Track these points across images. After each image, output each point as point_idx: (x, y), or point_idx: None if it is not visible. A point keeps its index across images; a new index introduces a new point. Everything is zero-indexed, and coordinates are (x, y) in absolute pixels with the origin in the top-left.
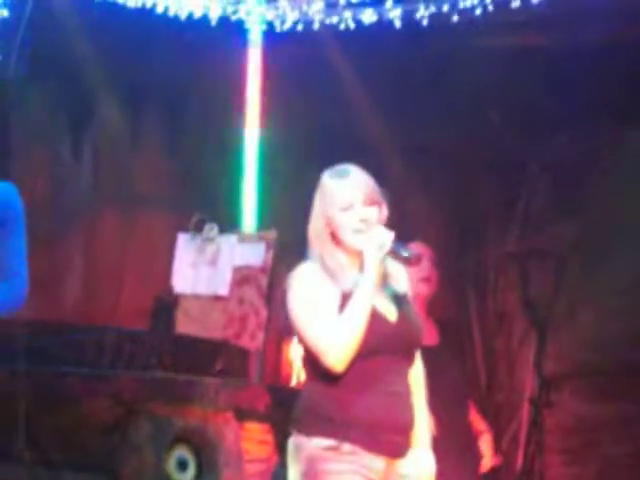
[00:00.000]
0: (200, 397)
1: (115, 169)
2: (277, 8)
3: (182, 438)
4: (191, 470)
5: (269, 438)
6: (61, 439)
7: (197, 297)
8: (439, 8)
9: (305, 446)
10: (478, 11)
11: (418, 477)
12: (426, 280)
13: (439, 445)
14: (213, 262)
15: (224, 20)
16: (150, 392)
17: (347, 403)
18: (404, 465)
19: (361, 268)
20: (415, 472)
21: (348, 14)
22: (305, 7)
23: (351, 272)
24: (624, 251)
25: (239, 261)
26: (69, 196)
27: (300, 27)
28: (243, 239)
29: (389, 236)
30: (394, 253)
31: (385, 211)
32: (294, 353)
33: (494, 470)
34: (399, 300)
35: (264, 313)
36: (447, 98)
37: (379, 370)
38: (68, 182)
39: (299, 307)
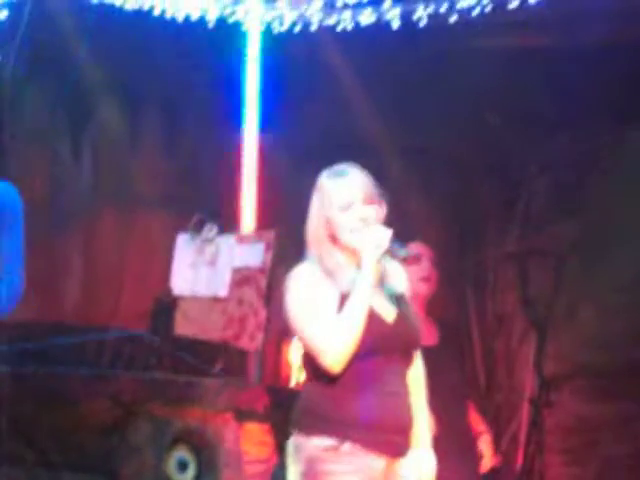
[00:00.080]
0: (199, 398)
1: (114, 169)
2: (275, 9)
3: (182, 439)
4: (191, 471)
5: (268, 439)
6: (60, 440)
7: (196, 298)
8: (437, 9)
9: (304, 446)
10: (476, 11)
11: (419, 477)
12: (426, 280)
13: (439, 445)
14: (212, 263)
15: (222, 21)
16: (149, 393)
17: (346, 403)
18: (404, 465)
19: (359, 268)
20: (416, 472)
21: (346, 15)
22: (303, 8)
23: (349, 272)
24: (624, 250)
25: (238, 262)
26: (68, 196)
27: (298, 28)
28: (242, 240)
29: (387, 235)
30: (392, 252)
31: (383, 210)
32: (293, 354)
33: (494, 470)
34: (397, 300)
35: (263, 314)
36: (446, 99)
37: (377, 370)
38: (67, 182)
39: (297, 308)
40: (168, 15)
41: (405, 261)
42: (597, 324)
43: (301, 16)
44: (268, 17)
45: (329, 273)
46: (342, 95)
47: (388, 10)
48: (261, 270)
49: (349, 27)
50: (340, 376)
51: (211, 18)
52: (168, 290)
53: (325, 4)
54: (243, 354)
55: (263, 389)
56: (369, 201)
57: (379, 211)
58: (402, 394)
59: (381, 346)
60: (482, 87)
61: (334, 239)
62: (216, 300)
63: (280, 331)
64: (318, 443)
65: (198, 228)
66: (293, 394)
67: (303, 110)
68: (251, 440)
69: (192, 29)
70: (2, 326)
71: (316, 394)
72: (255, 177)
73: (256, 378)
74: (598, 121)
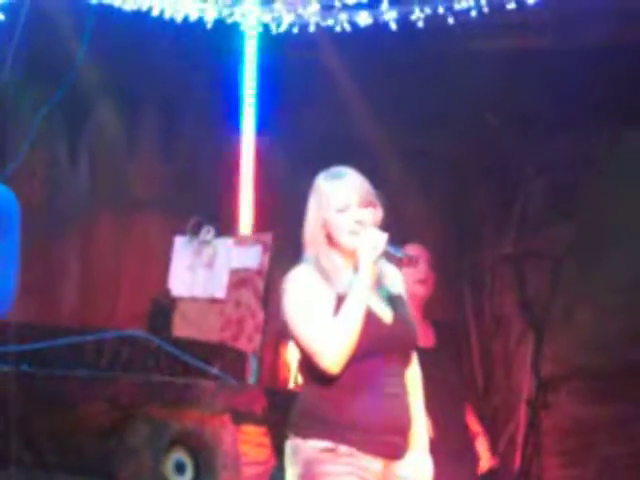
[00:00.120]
0: (197, 400)
1: (111, 172)
2: (273, 10)
3: (179, 441)
4: (189, 473)
5: (266, 441)
6: (58, 442)
7: (194, 300)
8: (434, 10)
9: (302, 448)
10: (474, 13)
11: (416, 479)
12: (423, 282)
13: (436, 447)
14: (210, 265)
15: (220, 23)
16: (147, 395)
17: (343, 405)
18: (402, 467)
19: (356, 269)
20: (413, 474)
21: (344, 16)
22: (301, 9)
23: (346, 273)
24: (621, 252)
25: (236, 264)
26: (65, 199)
27: (296, 29)
28: (240, 242)
29: (383, 237)
30: (388, 254)
31: (380, 213)
32: (291, 356)
33: (492, 472)
34: (394, 301)
35: (261, 316)
36: (444, 100)
37: (375, 371)
38: (64, 185)
39: (294, 310)
40: (166, 16)
41: (401, 263)
42: (594, 326)
43: (299, 17)
44: (266, 18)
45: (326, 275)
46: (340, 97)
47: (385, 12)
48: (258, 272)
49: (347, 28)
50: (338, 378)
51: (209, 19)
52: (166, 292)
53: (323, 6)
54: (241, 356)
55: (261, 391)
56: (365, 204)
57: (376, 214)
58: (400, 395)
59: (378, 347)
60: (480, 89)
61: (331, 241)
62: (214, 302)
63: (278, 333)
64: (315, 445)
65: (196, 230)
66: (291, 396)
67: (301, 112)
68: (249, 442)
69: (190, 30)
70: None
71: (314, 396)
72: (252, 179)
73: (254, 380)
74: (596, 122)
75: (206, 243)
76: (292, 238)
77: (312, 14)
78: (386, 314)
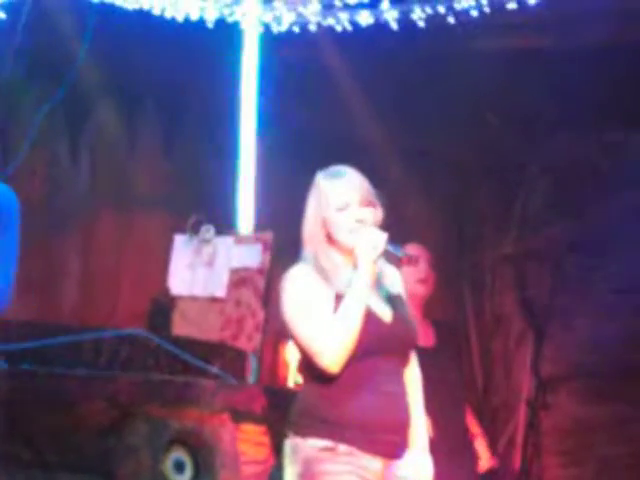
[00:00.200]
0: (197, 399)
1: (112, 171)
2: (273, 10)
3: (178, 440)
4: (188, 472)
5: (266, 440)
6: (57, 441)
7: (194, 299)
8: (435, 9)
9: (301, 447)
10: (474, 12)
11: (416, 479)
12: (423, 281)
13: (436, 447)
14: (210, 264)
15: (220, 22)
16: (146, 394)
17: (342, 404)
18: (402, 466)
19: (355, 268)
20: (413, 474)
21: (344, 15)
22: (301, 9)
23: (345, 272)
24: (621, 252)
25: (236, 263)
26: (66, 197)
27: (296, 29)
28: (240, 241)
29: (383, 237)
30: (388, 253)
31: (380, 213)
32: (291, 355)
33: (491, 472)
34: (393, 301)
35: (261, 315)
36: (445, 100)
37: (374, 370)
38: (65, 183)
39: (293, 309)
40: (167, 15)
41: (401, 262)
42: (594, 326)
43: (299, 17)
44: (266, 18)
45: (325, 273)
46: (340, 96)
47: (386, 11)
48: (259, 271)
49: (348, 28)
50: (337, 377)
51: (209, 18)
52: (166, 291)
53: (323, 5)
54: (241, 355)
55: (260, 390)
56: (366, 203)
57: (375, 213)
58: (399, 394)
59: (378, 346)
60: (481, 88)
61: (330, 239)
62: (214, 301)
63: (278, 332)
64: (315, 444)
65: (196, 229)
66: (290, 395)
67: (301, 111)
68: (248, 441)
69: (190, 29)
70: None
71: (313, 395)
72: (253, 178)
73: (253, 379)
74: (597, 122)
75: (206, 242)
76: (293, 237)
77: (313, 13)
78: (385, 313)
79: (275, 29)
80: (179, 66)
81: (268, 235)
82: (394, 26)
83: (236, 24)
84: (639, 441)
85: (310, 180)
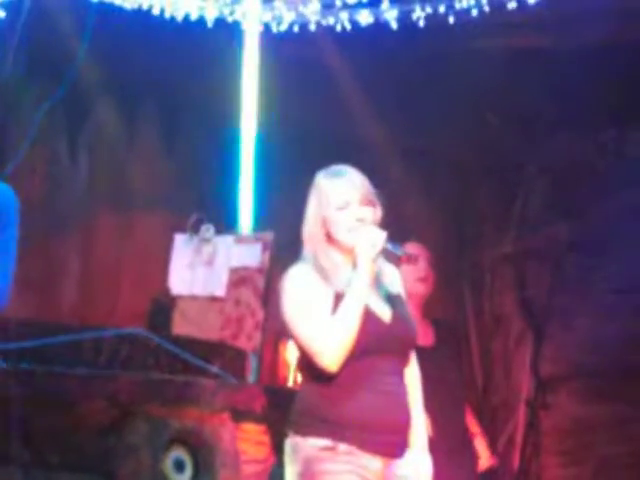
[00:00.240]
0: (197, 398)
1: (111, 170)
2: (273, 9)
3: (178, 439)
4: (188, 471)
5: (266, 439)
6: (57, 440)
7: (194, 298)
8: (435, 9)
9: (301, 447)
10: (474, 12)
11: (416, 478)
12: (423, 280)
13: (435, 446)
14: (210, 263)
15: (220, 21)
16: (147, 393)
17: (342, 403)
18: (402, 466)
19: (355, 267)
20: (413, 473)
21: (344, 15)
22: (301, 8)
23: (345, 271)
24: (621, 252)
25: (236, 262)
26: (65, 196)
27: (296, 28)
28: (240, 240)
29: (382, 235)
30: (387, 252)
31: (379, 212)
32: (291, 354)
33: (491, 471)
34: (393, 300)
35: (261, 314)
36: (445, 99)
37: (374, 370)
38: (64, 182)
39: (292, 309)
40: (167, 15)
41: (400, 260)
42: (593, 326)
43: (299, 16)
44: (266, 17)
45: (324, 273)
46: (340, 95)
47: (386, 10)
48: (259, 270)
49: (348, 27)
50: (337, 376)
51: (209, 18)
52: (166, 290)
53: (323, 4)
54: (240, 354)
55: (260, 389)
56: (366, 202)
57: (375, 213)
58: (399, 394)
59: (377, 345)
60: (481, 88)
61: (330, 238)
62: (213, 300)
63: (278, 331)
64: (315, 443)
65: (196, 228)
66: (290, 394)
67: (301, 110)
68: (248, 440)
69: (191, 29)
70: None
71: (313, 395)
72: (253, 177)
73: (253, 378)
74: (596, 122)
75: (206, 241)
76: (293, 236)
77: (313, 13)
78: (385, 313)
79: (275, 28)
80: (179, 65)
81: (268, 235)
82: (394, 25)
83: (236, 23)
84: (639, 441)
85: (310, 180)
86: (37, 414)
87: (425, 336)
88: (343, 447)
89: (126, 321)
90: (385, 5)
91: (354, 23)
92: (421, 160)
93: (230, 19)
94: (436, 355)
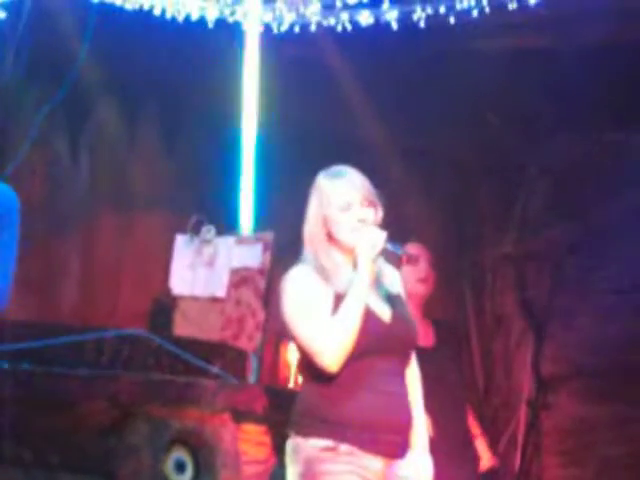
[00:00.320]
0: (197, 399)
1: (112, 170)
2: (274, 10)
3: (179, 440)
4: (188, 472)
5: (266, 439)
6: (58, 441)
7: (195, 299)
8: (436, 10)
9: (303, 447)
10: (475, 12)
11: (417, 479)
12: (423, 281)
13: (436, 447)
14: (210, 264)
15: (221, 22)
16: (147, 394)
17: (343, 404)
18: (403, 467)
19: (355, 267)
20: (414, 474)
21: (345, 16)
22: (302, 9)
23: (346, 271)
24: (622, 253)
25: (236, 263)
26: (66, 197)
27: (297, 29)
28: (240, 241)
29: (382, 235)
30: (387, 252)
31: (380, 213)
32: (291, 355)
33: (492, 472)
34: (393, 300)
35: (262, 315)
36: (445, 100)
37: (374, 370)
38: (65, 183)
39: (293, 309)
40: (168, 15)
41: (401, 260)
42: (594, 326)
43: (300, 17)
44: (267, 18)
45: (325, 274)
46: (341, 96)
47: (386, 11)
48: (259, 271)
49: (348, 28)
50: (337, 376)
51: (210, 18)
52: (167, 291)
53: (324, 5)
54: (241, 355)
55: (261, 390)
56: (367, 202)
57: (376, 213)
58: (400, 394)
59: (378, 346)
60: (481, 88)
61: (331, 238)
62: (214, 301)
63: (278, 332)
64: (316, 444)
65: (197, 229)
66: (291, 395)
67: (302, 111)
68: (249, 441)
69: (192, 29)
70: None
71: (314, 395)
72: (253, 178)
73: (254, 379)
74: (597, 122)
75: (207, 242)
76: (293, 237)
77: (313, 13)
78: (385, 313)
79: (276, 29)
80: (179, 66)
81: (268, 235)
82: (394, 26)
83: (237, 24)
84: (639, 441)
85: (311, 180)
86: (38, 414)
87: (425, 336)
88: (344, 447)
89: (127, 322)
90: (386, 6)
91: (355, 24)
92: (421, 160)
93: (231, 19)
94: (436, 355)
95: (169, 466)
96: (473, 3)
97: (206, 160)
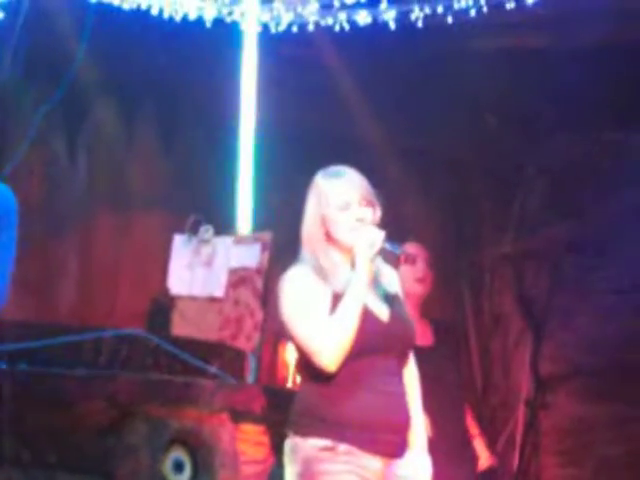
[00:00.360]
0: (196, 399)
1: (110, 170)
2: (272, 9)
3: (178, 440)
4: (187, 472)
5: (265, 439)
6: (56, 440)
7: (193, 299)
8: (434, 9)
9: (301, 447)
10: (473, 12)
11: (415, 479)
12: (421, 280)
13: (435, 446)
14: (209, 264)
15: (219, 21)
16: (146, 394)
17: (341, 403)
18: (401, 466)
19: (353, 266)
20: (413, 473)
21: (343, 15)
22: (300, 8)
23: (344, 271)
24: (621, 253)
25: (235, 263)
26: (64, 197)
27: (295, 28)
28: (238, 241)
29: (380, 235)
30: (385, 252)
31: (378, 213)
32: (290, 354)
33: (490, 471)
34: (391, 300)
35: (260, 315)
36: (443, 100)
37: (372, 370)
38: (63, 183)
39: (291, 309)
40: (165, 15)
41: (399, 260)
42: (593, 326)
43: (298, 16)
44: (265, 17)
45: (323, 273)
46: (339, 96)
47: (384, 11)
48: (258, 271)
49: (346, 28)
50: (336, 376)
51: (208, 18)
52: (165, 290)
53: (322, 5)
54: (240, 355)
55: (259, 390)
56: (366, 203)
57: (375, 213)
58: (399, 394)
59: (376, 345)
60: (480, 88)
61: (330, 238)
62: (212, 301)
63: (277, 332)
64: (315, 444)
65: (195, 229)
66: (290, 395)
67: (300, 110)
68: (247, 441)
69: (189, 29)
70: None
71: (312, 395)
72: (252, 178)
73: (252, 379)
74: (596, 122)
75: (205, 242)
76: (292, 237)
77: (311, 13)
78: (383, 312)
79: (274, 29)
80: (177, 66)
81: (267, 235)
82: (392, 26)
83: (235, 24)
84: (638, 441)
85: (308, 180)
86: (36, 415)
87: (424, 336)
88: (343, 447)
89: (125, 322)
90: (383, 5)
91: (352, 23)
92: (419, 160)
93: (229, 19)
94: (435, 355)
95: (167, 466)
96: (471, 3)
97: (204, 160)
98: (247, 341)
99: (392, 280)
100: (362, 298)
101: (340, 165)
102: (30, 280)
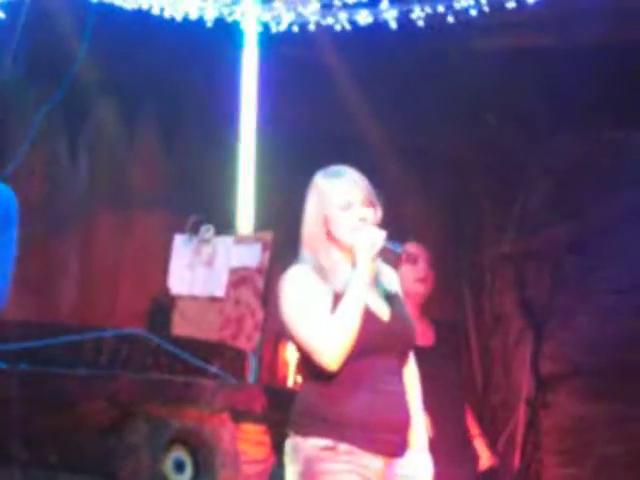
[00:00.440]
0: (196, 398)
1: (111, 170)
2: (272, 9)
3: (179, 439)
4: (188, 471)
5: (266, 439)
6: (57, 441)
7: (194, 298)
8: (434, 9)
9: (302, 447)
10: (474, 12)
11: (416, 478)
12: (422, 280)
13: (435, 446)
14: (209, 263)
15: (220, 21)
16: (146, 393)
17: (342, 403)
18: (402, 466)
19: (354, 266)
20: (414, 473)
21: (343, 15)
22: (300, 8)
23: (344, 270)
24: (621, 252)
25: (235, 262)
26: (65, 197)
27: (295, 28)
28: (239, 240)
29: (381, 235)
30: (386, 251)
31: (379, 213)
32: (290, 354)
33: (491, 471)
34: (391, 299)
35: (260, 314)
36: (444, 99)
37: (373, 369)
38: (64, 183)
39: (291, 309)
40: (166, 15)
41: (400, 259)
42: (593, 326)
43: (298, 16)
44: (265, 17)
45: (324, 272)
46: (339, 95)
47: (385, 10)
48: (258, 270)
49: (347, 27)
50: (336, 375)
51: (209, 18)
52: (166, 290)
53: (322, 4)
54: (240, 354)
55: (260, 389)
56: (367, 203)
57: (376, 213)
58: (399, 393)
59: (377, 344)
60: (480, 87)
61: (331, 237)
62: (213, 300)
63: (277, 331)
64: (315, 443)
65: (195, 229)
66: (290, 394)
67: (301, 110)
68: (248, 440)
69: (190, 29)
70: None
71: (313, 394)
72: (252, 177)
73: (253, 378)
74: (596, 121)
75: (206, 241)
76: (292, 236)
77: (312, 13)
78: (384, 312)
79: (274, 28)
80: (178, 66)
81: (267, 235)
82: (393, 25)
83: (235, 23)
84: (638, 440)
85: (309, 180)
86: (37, 414)
87: (424, 336)
88: (343, 447)
89: (126, 321)
90: (384, 5)
91: (353, 23)
92: (420, 159)
93: (229, 19)
94: (435, 355)
95: (168, 466)
96: (472, 2)
97: (205, 159)
98: (248, 341)
99: (392, 280)
100: (363, 297)
101: (340, 165)
102: (31, 280)
